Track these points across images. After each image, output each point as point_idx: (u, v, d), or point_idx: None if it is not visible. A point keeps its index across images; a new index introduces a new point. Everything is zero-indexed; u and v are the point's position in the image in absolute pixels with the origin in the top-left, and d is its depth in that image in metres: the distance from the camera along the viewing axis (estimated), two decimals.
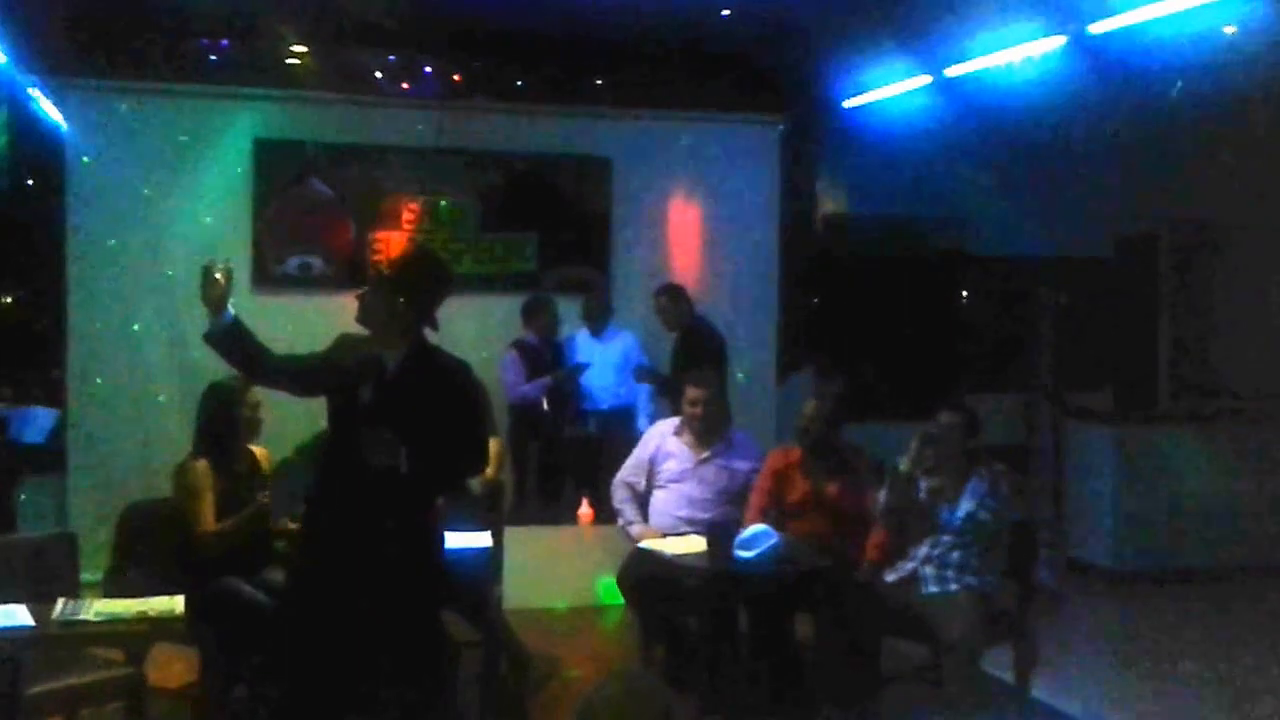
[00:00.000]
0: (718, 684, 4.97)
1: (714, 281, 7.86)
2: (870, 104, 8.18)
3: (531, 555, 6.34)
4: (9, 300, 8.15)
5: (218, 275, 3.81)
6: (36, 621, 3.88)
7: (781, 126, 8.17)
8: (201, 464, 4.74)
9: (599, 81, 7.75)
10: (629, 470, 5.65)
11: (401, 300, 3.83)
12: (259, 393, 4.78)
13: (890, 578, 4.90)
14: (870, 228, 8.74)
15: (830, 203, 8.92)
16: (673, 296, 7.30)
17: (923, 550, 4.84)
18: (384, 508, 3.82)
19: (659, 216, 7.94)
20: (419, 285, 3.90)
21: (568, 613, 6.36)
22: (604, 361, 7.33)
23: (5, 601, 3.97)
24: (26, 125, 6.94)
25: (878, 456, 5.39)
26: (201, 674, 4.69)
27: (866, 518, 5.09)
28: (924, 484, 4.86)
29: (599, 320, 7.40)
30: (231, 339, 3.86)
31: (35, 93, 6.97)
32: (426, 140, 7.39)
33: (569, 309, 7.42)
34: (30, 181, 7.12)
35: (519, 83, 7.65)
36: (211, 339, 3.88)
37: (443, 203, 7.46)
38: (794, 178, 8.43)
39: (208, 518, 4.65)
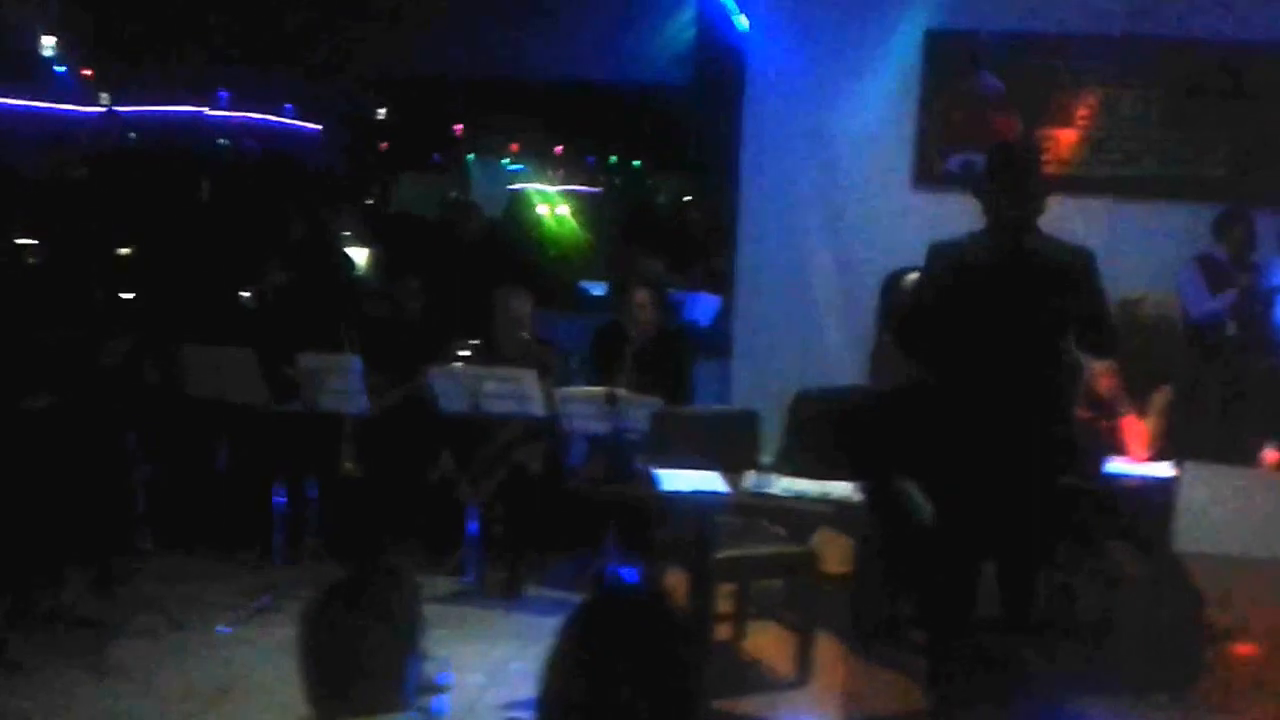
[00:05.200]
0: None
1: None
2: None
3: (1205, 496, 5.98)
4: (687, 199, 9.09)
5: None
6: (730, 489, 4.36)
7: None
8: None
9: None
10: None
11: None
12: None
13: None
14: None
15: None
16: None
17: None
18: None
19: None
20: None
21: (1241, 563, 5.95)
22: None
23: (691, 468, 4.49)
24: (710, 20, 7.59)
25: None
26: (859, 565, 5.03)
27: None
28: None
29: None
30: None
31: None
32: (1110, 27, 7.01)
33: (1267, 225, 6.77)
34: (714, 77, 7.79)
35: None
36: None
37: (1123, 96, 7.09)
38: None
39: None
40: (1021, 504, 4.07)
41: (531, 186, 13.20)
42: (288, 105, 10.35)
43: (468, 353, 5.85)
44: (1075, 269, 4.13)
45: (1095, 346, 4.40)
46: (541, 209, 12.31)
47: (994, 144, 4.41)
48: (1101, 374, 5.18)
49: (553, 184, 13.07)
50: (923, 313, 4.21)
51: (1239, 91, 7.00)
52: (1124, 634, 4.95)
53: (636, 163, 12.67)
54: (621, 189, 12.85)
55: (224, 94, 9.70)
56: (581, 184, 13.58)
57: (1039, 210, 4.21)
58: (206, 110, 9.93)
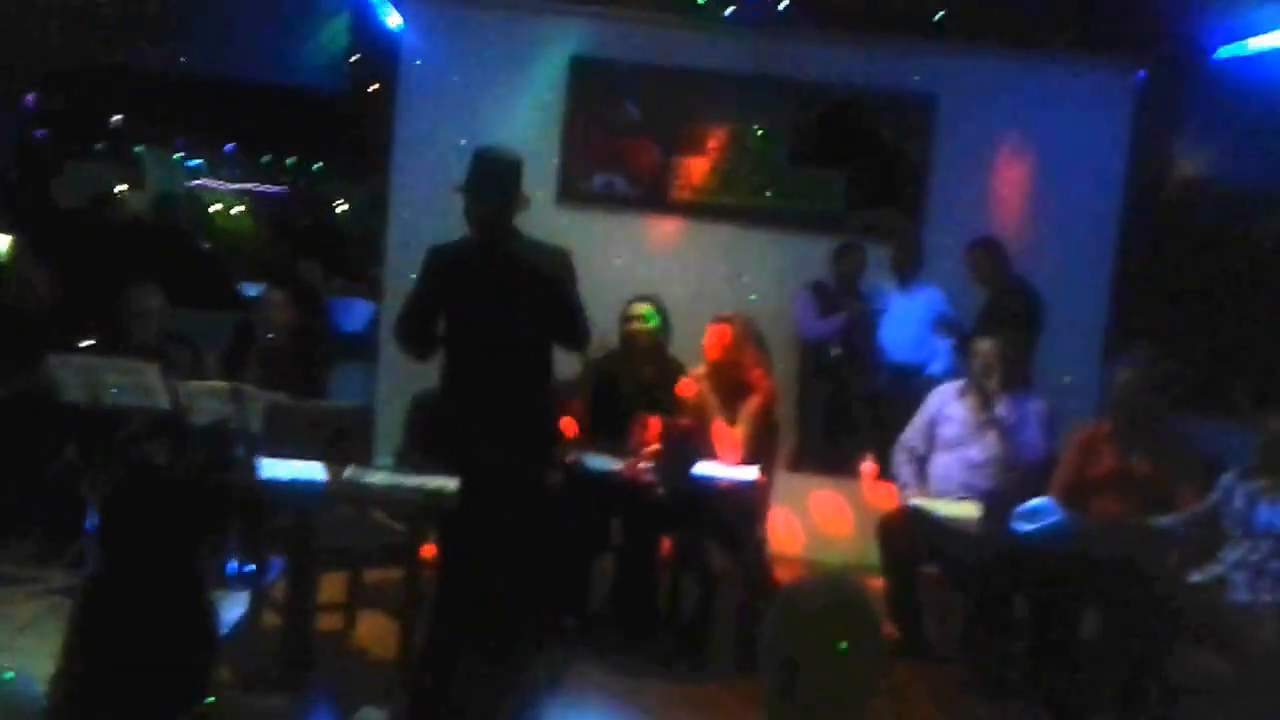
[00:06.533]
0: (980, 661, 5.13)
1: (1040, 241, 7.57)
2: (1254, 54, 7.63)
3: (804, 504, 6.68)
4: (342, 207, 9.22)
5: None
6: (330, 480, 4.62)
7: (1139, 74, 7.81)
8: None
9: (933, 12, 7.70)
10: (910, 432, 5.81)
11: None
12: None
13: (1194, 579, 4.85)
14: (1236, 199, 8.28)
15: (1189, 167, 8.52)
16: (989, 251, 7.12)
17: (1234, 555, 4.81)
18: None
19: (985, 164, 7.75)
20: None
21: (835, 568, 6.57)
22: (906, 315, 7.31)
23: (306, 459, 4.72)
24: (366, 29, 7.80)
25: (1204, 452, 5.32)
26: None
27: (1176, 506, 5.06)
28: (1243, 487, 4.85)
29: (906, 271, 7.39)
30: None
31: None
32: (742, 66, 7.62)
33: (877, 256, 7.49)
34: (371, 87, 8.01)
35: (846, 11, 7.76)
36: None
37: (750, 132, 7.70)
38: (1148, 135, 7.96)
39: None
40: (512, 498, 4.44)
41: (209, 183, 13.03)
42: None
43: (92, 344, 5.86)
44: (552, 268, 4.49)
45: (568, 339, 4.65)
46: (215, 206, 12.18)
47: (473, 150, 4.73)
48: (689, 382, 5.72)
49: (229, 181, 12.94)
50: (411, 311, 4.55)
51: (856, 133, 7.82)
52: (718, 628, 5.36)
53: (316, 166, 12.71)
54: (301, 192, 12.86)
55: None
56: (264, 184, 13.48)
57: (512, 213, 4.51)
58: None
